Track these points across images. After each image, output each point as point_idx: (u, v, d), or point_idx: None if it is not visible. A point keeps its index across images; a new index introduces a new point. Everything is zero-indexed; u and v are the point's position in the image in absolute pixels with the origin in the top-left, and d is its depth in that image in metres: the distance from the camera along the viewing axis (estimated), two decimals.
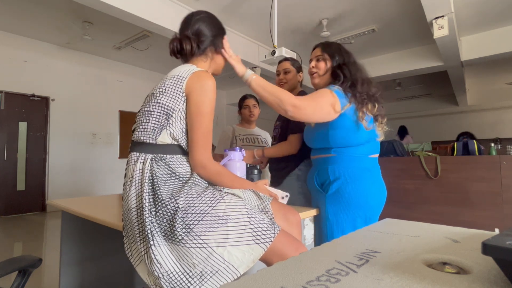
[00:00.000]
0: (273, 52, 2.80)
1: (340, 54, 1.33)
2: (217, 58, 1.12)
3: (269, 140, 2.43)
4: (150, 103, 0.97)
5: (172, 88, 0.95)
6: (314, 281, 0.38)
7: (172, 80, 0.96)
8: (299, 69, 1.79)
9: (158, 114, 0.94)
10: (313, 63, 1.38)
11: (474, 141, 2.70)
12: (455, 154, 2.73)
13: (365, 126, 1.24)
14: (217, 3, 3.94)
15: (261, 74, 5.41)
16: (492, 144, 2.76)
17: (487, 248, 0.34)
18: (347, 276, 0.40)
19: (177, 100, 0.95)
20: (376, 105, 1.27)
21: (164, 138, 0.94)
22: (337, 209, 1.24)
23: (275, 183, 1.76)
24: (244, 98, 2.42)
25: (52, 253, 3.06)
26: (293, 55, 2.81)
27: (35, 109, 5.35)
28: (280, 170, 1.71)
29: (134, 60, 6.26)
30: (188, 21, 1.08)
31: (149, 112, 0.96)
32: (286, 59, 1.82)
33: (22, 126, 5.25)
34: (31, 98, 5.30)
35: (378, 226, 0.70)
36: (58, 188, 5.43)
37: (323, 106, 1.20)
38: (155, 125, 0.94)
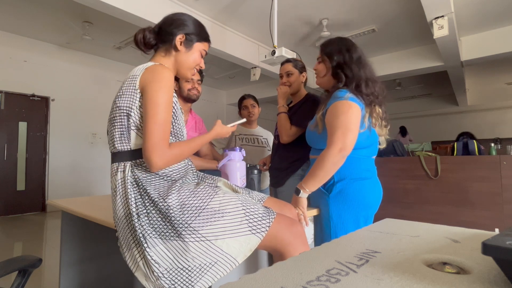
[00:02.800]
0: (273, 52, 2.80)
1: (340, 52, 1.27)
2: (179, 56, 1.05)
3: (271, 140, 2.42)
4: (112, 110, 0.97)
5: (127, 89, 0.94)
6: (314, 281, 0.38)
7: (127, 81, 0.96)
8: (302, 70, 1.77)
9: (120, 117, 0.93)
10: (315, 65, 1.38)
11: (474, 141, 2.70)
12: (455, 154, 2.73)
13: (378, 132, 1.27)
14: (217, 3, 3.94)
15: (261, 74, 5.41)
16: (492, 144, 2.76)
17: (487, 248, 0.34)
18: (347, 276, 0.40)
19: (133, 98, 0.92)
20: (383, 108, 1.26)
21: (138, 141, 0.93)
22: (341, 209, 1.23)
23: (277, 183, 1.75)
24: (242, 98, 2.42)
25: (52, 253, 3.06)
26: (293, 55, 2.81)
27: (35, 109, 5.35)
28: (283, 170, 1.70)
29: (134, 60, 6.26)
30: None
31: (113, 119, 0.95)
32: (288, 60, 1.79)
33: (22, 126, 5.25)
34: (31, 98, 5.30)
35: (378, 226, 0.70)
36: (58, 188, 5.43)
37: (355, 124, 1.16)
38: (121, 130, 0.93)
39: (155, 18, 3.56)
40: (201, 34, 1.09)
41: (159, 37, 1.05)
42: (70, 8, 4.12)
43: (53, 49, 5.50)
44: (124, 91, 0.94)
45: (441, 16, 3.60)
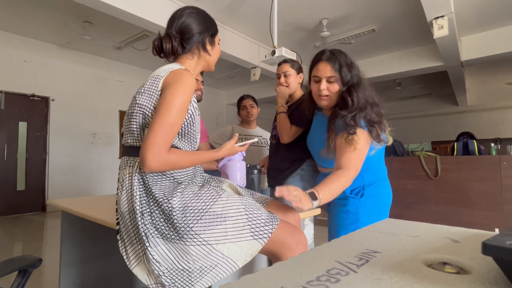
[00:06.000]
0: (273, 52, 2.80)
1: (350, 72, 1.19)
2: (206, 55, 1.07)
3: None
4: (131, 105, 0.97)
5: (149, 88, 0.93)
6: (314, 281, 0.38)
7: (151, 80, 0.95)
8: (299, 70, 1.77)
9: (137, 115, 0.93)
10: (324, 85, 1.21)
11: (474, 141, 2.71)
12: (455, 154, 2.74)
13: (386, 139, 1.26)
14: (217, 3, 3.94)
15: (261, 74, 5.41)
16: (492, 144, 2.76)
17: (487, 248, 0.34)
18: (347, 276, 0.40)
19: (152, 98, 0.92)
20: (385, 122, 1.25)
21: None
22: (371, 211, 1.24)
23: (276, 183, 1.74)
24: (241, 99, 2.42)
25: (52, 253, 3.06)
26: (293, 55, 2.81)
27: (35, 109, 5.35)
28: (283, 170, 1.69)
29: (134, 60, 6.26)
30: (173, 18, 1.04)
31: (131, 114, 0.95)
32: (285, 61, 1.80)
33: (22, 126, 5.25)
34: (31, 98, 5.30)
35: (378, 226, 0.70)
36: (58, 188, 5.43)
37: (366, 150, 1.16)
38: (136, 126, 0.93)
39: (155, 18, 3.56)
40: (215, 26, 1.11)
41: (185, 43, 1.04)
42: (70, 8, 4.12)
43: (53, 49, 5.50)
44: (145, 89, 0.94)
45: (441, 16, 3.60)
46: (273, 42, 3.01)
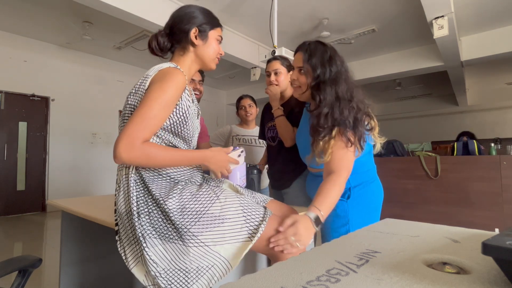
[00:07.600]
0: (273, 52, 2.80)
1: (324, 67, 1.12)
2: (198, 49, 1.03)
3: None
4: (124, 106, 0.97)
5: (138, 88, 0.93)
6: (314, 281, 0.38)
7: (141, 79, 0.95)
8: (289, 68, 1.69)
9: (129, 115, 0.93)
10: (294, 74, 1.21)
11: (474, 141, 2.71)
12: (455, 154, 2.74)
13: (375, 140, 1.21)
14: (217, 3, 3.94)
15: (261, 74, 5.41)
16: (492, 144, 2.76)
17: (487, 248, 0.34)
18: (347, 276, 0.40)
19: (140, 97, 0.91)
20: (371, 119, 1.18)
21: None
22: (360, 212, 1.21)
23: (282, 185, 1.69)
24: (240, 98, 2.41)
25: (52, 253, 3.06)
26: (293, 55, 2.81)
27: (35, 109, 5.35)
28: (289, 171, 1.64)
29: (134, 60, 6.26)
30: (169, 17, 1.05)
31: (124, 115, 0.95)
32: (275, 58, 1.73)
33: (22, 126, 5.25)
34: (31, 98, 5.30)
35: (378, 226, 0.70)
36: (58, 188, 5.43)
37: (353, 148, 1.09)
38: None
39: (155, 18, 3.56)
40: (212, 21, 1.06)
41: (173, 38, 1.03)
42: (70, 8, 4.12)
43: (53, 49, 5.50)
44: (136, 90, 0.94)
45: (441, 16, 3.60)
46: (273, 42, 3.01)
